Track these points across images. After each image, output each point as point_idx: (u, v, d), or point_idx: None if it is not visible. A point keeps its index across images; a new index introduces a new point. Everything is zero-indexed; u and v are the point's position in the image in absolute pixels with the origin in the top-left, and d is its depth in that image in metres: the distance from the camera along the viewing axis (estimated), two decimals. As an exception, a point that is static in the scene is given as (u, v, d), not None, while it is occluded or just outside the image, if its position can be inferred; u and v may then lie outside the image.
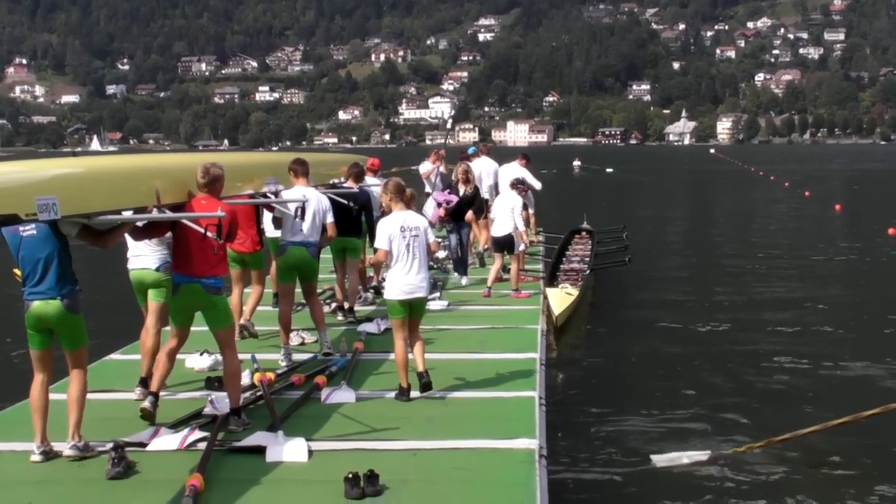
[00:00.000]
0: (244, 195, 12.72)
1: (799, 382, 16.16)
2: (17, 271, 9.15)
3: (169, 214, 9.80)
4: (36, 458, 9.28)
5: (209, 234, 9.96)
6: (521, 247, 19.87)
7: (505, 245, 19.34)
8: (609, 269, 25.01)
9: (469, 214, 20.70)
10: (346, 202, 15.76)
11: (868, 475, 11.74)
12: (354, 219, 16.10)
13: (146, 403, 10.24)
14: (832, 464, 12.16)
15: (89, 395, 9.78)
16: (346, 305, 16.82)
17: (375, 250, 11.84)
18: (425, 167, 24.48)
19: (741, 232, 42.74)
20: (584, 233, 29.48)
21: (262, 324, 14.96)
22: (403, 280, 11.62)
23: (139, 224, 10.00)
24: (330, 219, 13.95)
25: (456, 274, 20.57)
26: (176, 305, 10.43)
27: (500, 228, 19.35)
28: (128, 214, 9.51)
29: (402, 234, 11.61)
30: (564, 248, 26.55)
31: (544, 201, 32.84)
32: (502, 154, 24.84)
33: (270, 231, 14.84)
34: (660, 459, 12.10)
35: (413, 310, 11.86)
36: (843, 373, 16.86)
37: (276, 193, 13.49)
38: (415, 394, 11.55)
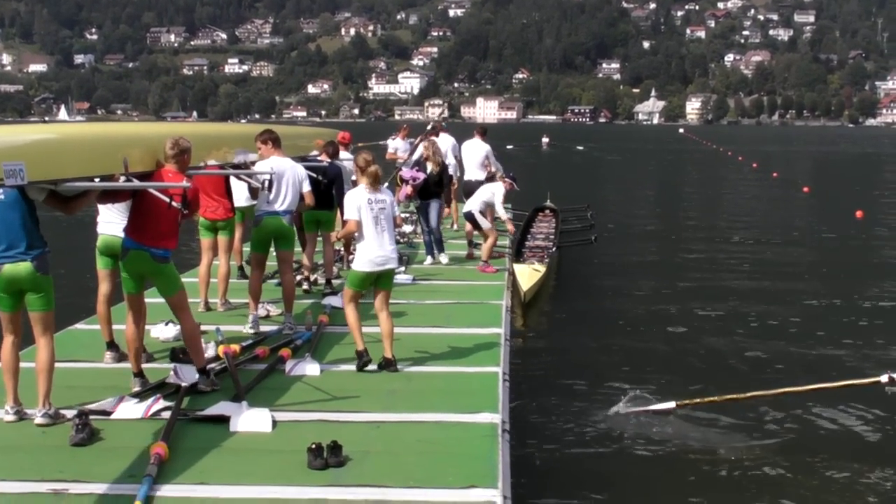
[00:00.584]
0: (213, 166, 12.74)
1: (761, 353, 16.53)
2: None
3: (136, 183, 9.81)
4: (10, 417, 9.42)
5: (174, 203, 10.01)
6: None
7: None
8: (573, 247, 25.08)
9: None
10: (316, 175, 15.80)
11: (822, 442, 12.21)
12: (324, 192, 16.14)
13: (137, 388, 10.45)
14: (789, 428, 12.63)
15: (60, 364, 9.92)
16: (322, 278, 16.93)
17: (345, 223, 11.86)
18: (396, 144, 24.52)
19: (708, 212, 42.94)
20: (547, 210, 29.57)
21: (229, 296, 15.06)
22: (375, 252, 11.66)
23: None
24: (307, 187, 14.10)
25: (430, 257, 20.03)
26: (125, 269, 10.47)
27: (472, 204, 19.92)
28: (95, 182, 9.50)
29: (370, 206, 11.67)
30: (529, 225, 26.61)
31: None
32: (470, 130, 24.70)
33: (239, 201, 14.89)
34: (622, 407, 12.77)
35: (380, 281, 11.89)
36: (807, 347, 17.13)
37: (247, 165, 13.54)
38: (377, 366, 11.62)
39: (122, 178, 9.67)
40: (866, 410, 13.13)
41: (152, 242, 10.15)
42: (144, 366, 10.97)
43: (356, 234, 11.74)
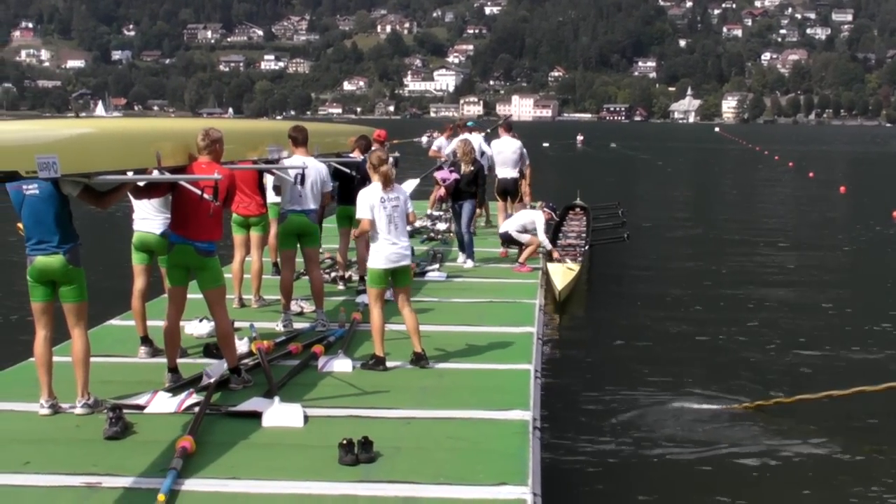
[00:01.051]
0: (247, 161, 12.91)
1: (798, 357, 16.33)
2: (21, 226, 9.44)
3: (167, 176, 9.97)
4: (45, 411, 9.55)
5: (206, 195, 10.11)
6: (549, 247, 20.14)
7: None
8: (605, 245, 24.98)
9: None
10: (348, 171, 15.90)
11: (865, 446, 12.04)
12: (357, 188, 16.20)
13: (169, 383, 10.60)
14: (835, 429, 12.48)
15: (96, 359, 10.03)
16: (356, 275, 16.95)
17: (358, 221, 11.98)
18: (440, 143, 24.42)
19: (742, 211, 42.70)
20: (578, 209, 29.49)
21: (263, 293, 15.16)
22: (389, 249, 11.76)
23: (140, 184, 10.16)
24: (328, 187, 14.18)
25: (461, 255, 19.74)
26: (170, 263, 10.67)
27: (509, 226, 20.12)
28: (128, 175, 9.60)
29: (382, 204, 11.78)
30: (560, 224, 26.54)
31: (545, 175, 33.05)
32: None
33: (272, 197, 14.95)
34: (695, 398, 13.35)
35: (397, 278, 12.00)
36: (845, 350, 16.95)
37: (279, 161, 13.62)
38: (409, 365, 11.69)
39: (155, 172, 9.81)
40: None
41: (195, 236, 10.31)
42: (178, 361, 11.04)
43: (371, 232, 11.83)
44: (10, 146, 7.67)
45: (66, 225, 9.31)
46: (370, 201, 11.77)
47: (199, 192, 10.11)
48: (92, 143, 8.90)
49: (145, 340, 12.08)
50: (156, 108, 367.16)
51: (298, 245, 13.97)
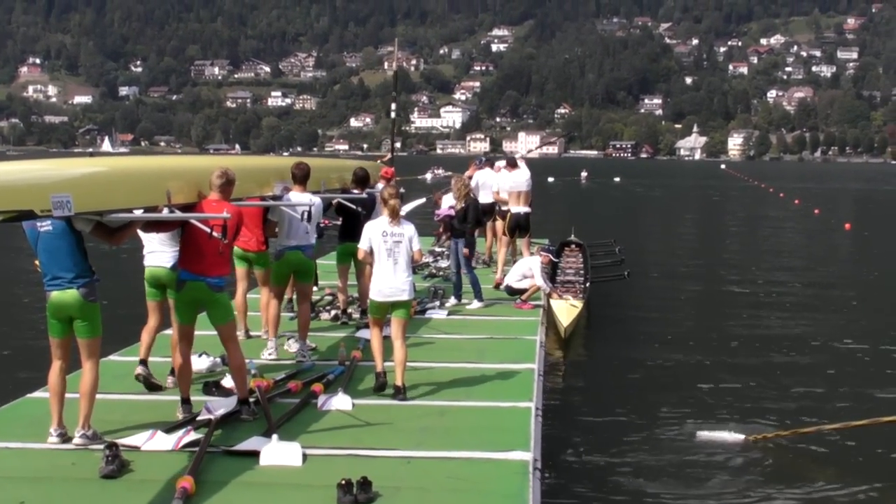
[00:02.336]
0: (254, 197, 12.98)
1: (802, 390, 16.40)
2: (37, 263, 9.66)
3: (178, 214, 10.10)
4: (54, 440, 9.71)
5: (215, 233, 10.18)
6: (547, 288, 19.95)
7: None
8: (605, 282, 24.76)
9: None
10: (354, 207, 15.91)
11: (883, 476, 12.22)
12: (361, 224, 16.18)
13: (182, 414, 10.78)
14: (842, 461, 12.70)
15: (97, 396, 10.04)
16: (356, 312, 16.95)
17: (357, 251, 12.53)
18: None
19: (746, 247, 42.75)
20: (573, 245, 29.41)
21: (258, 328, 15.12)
22: (384, 283, 12.03)
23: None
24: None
25: (453, 298, 18.98)
26: (181, 301, 10.72)
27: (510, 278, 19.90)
28: (138, 213, 9.77)
29: (383, 238, 12.06)
30: (556, 261, 26.37)
31: (547, 210, 33.08)
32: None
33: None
34: (702, 435, 13.38)
35: (395, 310, 12.20)
36: (850, 382, 17.05)
37: (283, 198, 13.63)
38: (410, 402, 11.66)
39: (166, 210, 9.96)
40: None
41: (207, 272, 10.42)
42: (178, 397, 11.07)
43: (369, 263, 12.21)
44: (25, 186, 7.96)
45: (80, 261, 9.49)
46: (372, 233, 12.13)
47: (208, 230, 10.16)
48: (104, 181, 9.09)
49: (174, 371, 11.93)
50: (162, 143, 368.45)
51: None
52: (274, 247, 14.21)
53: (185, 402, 10.94)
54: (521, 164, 22.14)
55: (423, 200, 22.47)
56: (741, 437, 13.34)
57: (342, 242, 16.61)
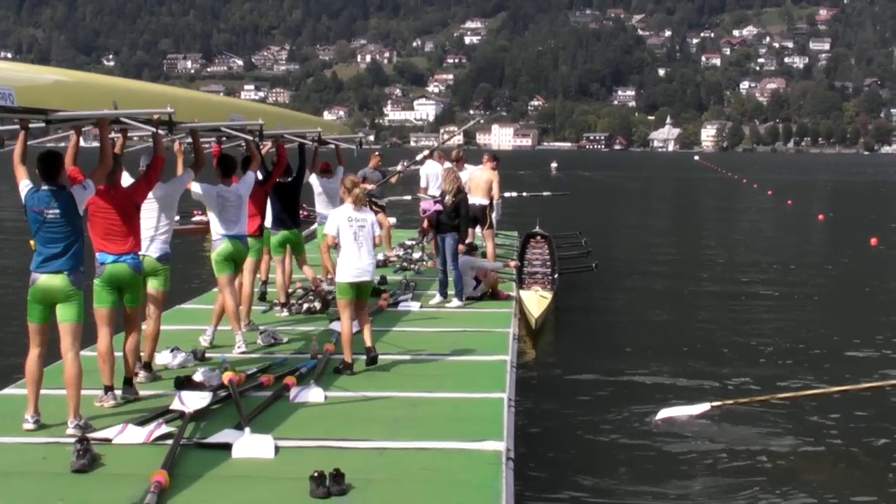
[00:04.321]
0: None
1: (773, 367, 16.65)
2: (33, 243, 9.95)
3: (120, 111, 10.15)
4: (29, 426, 9.86)
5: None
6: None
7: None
8: (572, 273, 24.67)
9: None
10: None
11: (857, 442, 12.88)
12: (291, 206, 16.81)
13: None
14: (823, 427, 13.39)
15: (60, 391, 10.10)
16: (307, 307, 17.06)
17: (325, 236, 13.39)
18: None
19: (717, 238, 42.79)
20: (539, 237, 29.41)
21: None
22: (353, 265, 12.87)
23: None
24: None
25: (439, 295, 18.47)
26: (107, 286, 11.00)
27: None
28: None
29: (349, 223, 12.93)
30: (523, 252, 26.35)
31: (514, 200, 33.17)
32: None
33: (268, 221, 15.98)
34: (663, 413, 13.71)
35: (360, 291, 13.09)
36: (816, 360, 17.57)
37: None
38: (383, 393, 11.68)
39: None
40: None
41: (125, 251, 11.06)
42: (150, 393, 11.17)
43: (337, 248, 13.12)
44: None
45: (76, 249, 9.88)
46: (338, 220, 13.03)
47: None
48: (52, 84, 9.60)
49: (147, 366, 12.25)
50: (136, 137, 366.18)
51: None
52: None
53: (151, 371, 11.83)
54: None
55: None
56: (706, 406, 13.67)
57: (279, 231, 16.66)
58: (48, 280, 9.76)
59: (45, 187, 9.78)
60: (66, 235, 9.80)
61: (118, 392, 11.03)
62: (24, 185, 9.87)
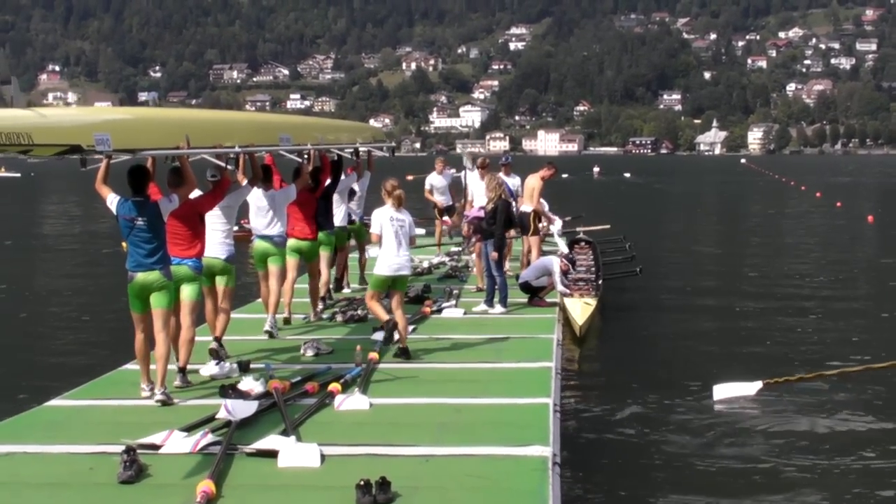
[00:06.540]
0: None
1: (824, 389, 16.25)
2: (125, 245, 11.60)
3: (195, 150, 11.92)
4: (146, 393, 11.68)
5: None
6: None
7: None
8: (617, 279, 24.51)
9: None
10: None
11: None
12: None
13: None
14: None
15: (104, 402, 10.90)
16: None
17: (370, 235, 14.65)
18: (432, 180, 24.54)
19: (766, 240, 42.50)
20: (583, 243, 29.16)
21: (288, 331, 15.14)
22: (391, 259, 14.14)
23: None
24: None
25: (484, 304, 18.43)
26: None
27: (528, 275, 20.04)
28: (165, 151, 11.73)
29: (391, 222, 14.17)
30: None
31: (559, 203, 33.09)
32: (533, 163, 24.41)
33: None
34: (717, 391, 14.88)
35: (395, 284, 14.35)
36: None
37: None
38: (427, 400, 11.74)
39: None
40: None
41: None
42: (194, 403, 11.42)
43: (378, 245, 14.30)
44: (72, 125, 10.21)
45: (162, 250, 11.53)
46: (381, 219, 14.24)
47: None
48: (134, 125, 11.51)
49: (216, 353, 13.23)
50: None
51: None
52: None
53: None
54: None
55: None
56: (759, 384, 14.72)
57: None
58: (144, 277, 11.40)
59: (133, 198, 11.38)
60: (153, 238, 11.37)
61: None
62: (112, 198, 11.38)
